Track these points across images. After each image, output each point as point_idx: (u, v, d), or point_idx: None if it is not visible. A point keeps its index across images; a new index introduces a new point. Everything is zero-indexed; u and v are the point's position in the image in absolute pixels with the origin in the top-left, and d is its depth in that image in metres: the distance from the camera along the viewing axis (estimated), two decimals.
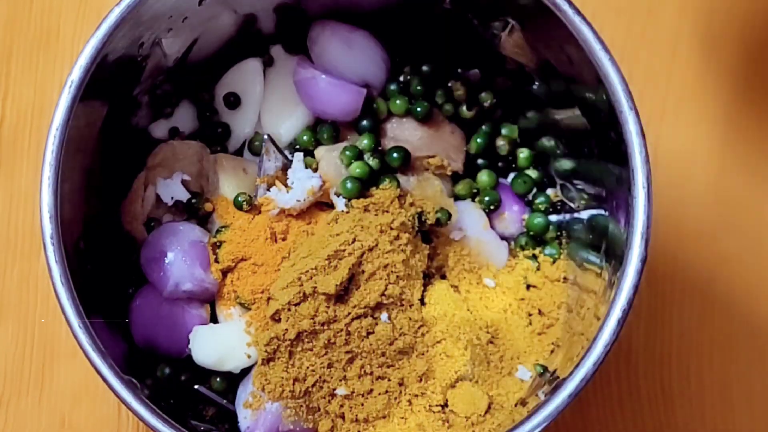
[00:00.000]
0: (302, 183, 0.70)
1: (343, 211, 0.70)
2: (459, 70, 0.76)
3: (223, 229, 0.72)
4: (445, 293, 0.71)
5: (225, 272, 0.71)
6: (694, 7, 0.86)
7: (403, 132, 0.75)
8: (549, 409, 0.60)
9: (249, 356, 0.69)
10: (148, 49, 0.68)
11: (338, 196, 0.71)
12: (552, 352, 0.71)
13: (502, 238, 0.76)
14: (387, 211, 0.70)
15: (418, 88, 0.75)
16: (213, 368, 0.69)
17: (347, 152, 0.72)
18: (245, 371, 0.70)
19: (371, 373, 0.68)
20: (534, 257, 0.75)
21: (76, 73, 0.62)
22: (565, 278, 0.73)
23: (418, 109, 0.74)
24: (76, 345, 0.61)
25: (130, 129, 0.74)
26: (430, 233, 0.73)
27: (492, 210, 0.75)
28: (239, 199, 0.72)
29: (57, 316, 0.80)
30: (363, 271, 0.67)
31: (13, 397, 0.80)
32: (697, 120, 0.85)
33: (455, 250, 0.73)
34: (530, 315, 0.73)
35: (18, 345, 0.81)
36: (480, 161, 0.77)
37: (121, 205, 0.73)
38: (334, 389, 0.67)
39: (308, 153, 0.74)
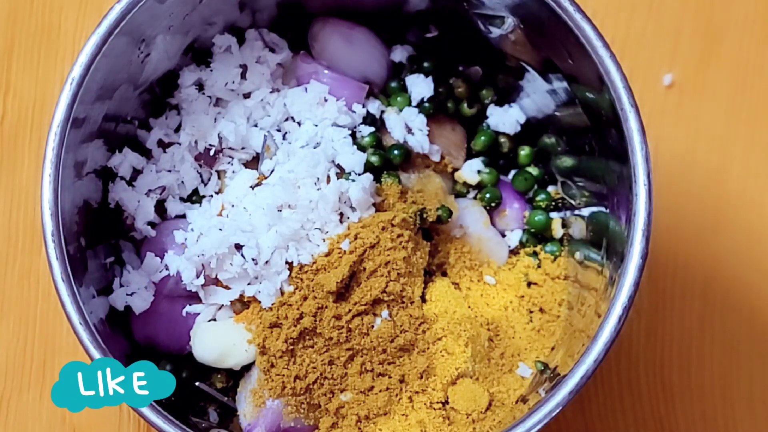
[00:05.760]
0: None
1: None
2: (460, 68, 0.76)
3: None
4: (446, 290, 0.71)
5: None
6: (695, 3, 0.86)
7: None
8: (549, 406, 0.61)
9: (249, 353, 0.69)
10: (149, 47, 0.68)
11: None
12: (553, 349, 0.71)
13: (503, 235, 0.76)
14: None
15: None
16: (214, 365, 0.69)
17: None
18: (246, 368, 0.70)
19: (372, 370, 0.68)
20: (535, 254, 0.75)
21: (76, 71, 0.62)
22: (566, 275, 0.73)
23: (426, 105, 0.74)
24: (77, 341, 0.61)
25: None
26: (431, 230, 0.73)
27: (493, 207, 0.75)
28: None
29: (58, 313, 0.80)
30: (364, 269, 0.67)
31: (14, 394, 0.80)
32: (697, 117, 0.85)
33: (456, 248, 0.73)
34: (531, 312, 0.73)
35: (19, 341, 0.81)
36: (481, 158, 0.77)
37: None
38: (339, 389, 0.67)
39: None
